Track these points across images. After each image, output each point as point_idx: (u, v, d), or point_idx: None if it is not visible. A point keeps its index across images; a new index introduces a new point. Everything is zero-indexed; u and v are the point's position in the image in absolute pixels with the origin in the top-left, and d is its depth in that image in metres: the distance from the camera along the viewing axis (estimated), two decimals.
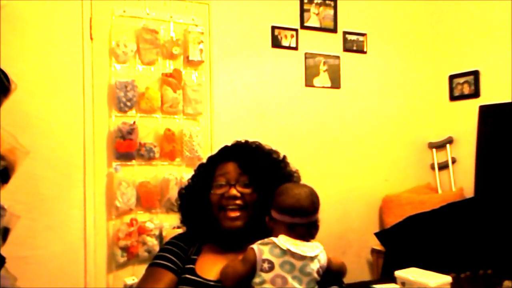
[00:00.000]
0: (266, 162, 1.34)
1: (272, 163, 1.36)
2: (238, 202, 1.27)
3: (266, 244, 1.11)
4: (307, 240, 1.14)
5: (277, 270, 1.08)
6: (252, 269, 1.10)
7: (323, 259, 1.12)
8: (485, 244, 2.47)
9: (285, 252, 1.08)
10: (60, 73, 2.40)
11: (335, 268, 1.15)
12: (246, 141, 1.40)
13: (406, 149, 3.43)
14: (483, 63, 3.19)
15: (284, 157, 1.40)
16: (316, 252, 1.11)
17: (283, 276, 1.07)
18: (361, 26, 3.28)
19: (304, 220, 1.14)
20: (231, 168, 1.30)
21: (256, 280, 1.09)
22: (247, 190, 1.29)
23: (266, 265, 1.08)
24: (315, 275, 1.10)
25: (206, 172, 1.37)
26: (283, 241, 1.10)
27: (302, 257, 1.09)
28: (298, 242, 1.11)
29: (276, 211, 1.17)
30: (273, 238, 1.12)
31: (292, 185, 1.23)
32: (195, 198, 1.36)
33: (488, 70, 3.17)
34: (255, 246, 1.12)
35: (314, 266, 1.10)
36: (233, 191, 1.28)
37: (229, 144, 1.41)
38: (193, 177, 1.42)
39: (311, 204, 1.17)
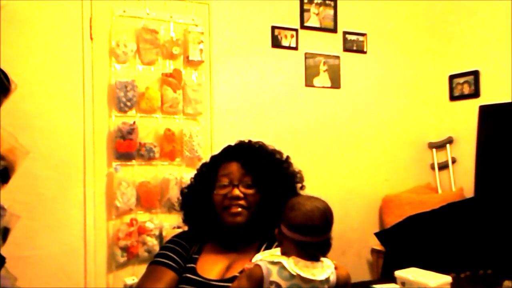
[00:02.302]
0: (269, 162, 1.34)
1: (275, 163, 1.36)
2: (241, 202, 1.27)
3: (275, 264, 1.04)
4: (318, 259, 1.07)
5: None
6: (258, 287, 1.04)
7: (332, 280, 1.06)
8: (485, 244, 2.47)
9: (295, 276, 1.02)
10: (60, 73, 2.39)
11: (342, 283, 1.10)
12: (250, 141, 1.40)
13: (406, 149, 3.43)
14: (483, 63, 3.19)
15: (288, 157, 1.40)
16: (327, 273, 1.05)
17: None
18: (361, 26, 3.28)
19: (316, 239, 1.06)
20: (234, 168, 1.30)
21: None
22: (250, 191, 1.29)
23: None
24: None
25: (209, 172, 1.37)
26: (293, 265, 1.03)
27: (311, 281, 1.03)
28: (308, 263, 1.04)
29: (286, 227, 1.07)
30: (282, 260, 1.04)
31: (304, 200, 1.11)
32: (198, 198, 1.36)
33: (488, 70, 3.17)
34: (262, 264, 1.05)
35: None
36: (236, 192, 1.28)
37: (232, 143, 1.41)
38: (195, 176, 1.42)
39: (325, 223, 1.07)
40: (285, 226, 1.08)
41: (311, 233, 1.05)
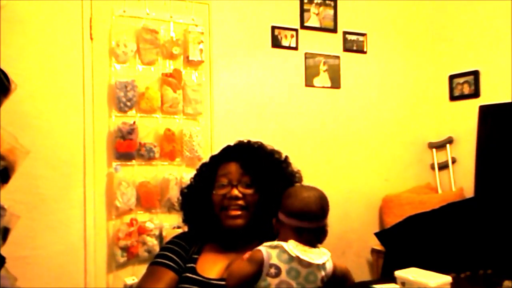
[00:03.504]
0: (268, 162, 1.34)
1: (274, 163, 1.36)
2: (239, 202, 1.27)
3: (274, 248, 1.08)
4: (315, 246, 1.11)
5: (283, 276, 1.06)
6: (258, 270, 1.07)
7: (328, 267, 1.10)
8: (485, 244, 2.47)
9: (293, 258, 1.06)
10: (60, 73, 2.40)
11: (340, 274, 1.13)
12: (249, 141, 1.40)
13: (406, 149, 3.43)
14: (483, 63, 3.19)
15: (286, 157, 1.40)
16: (323, 259, 1.09)
17: (289, 283, 1.06)
18: (361, 26, 3.28)
19: (312, 224, 1.11)
20: (233, 168, 1.31)
21: (261, 284, 1.07)
22: (248, 191, 1.29)
23: (273, 270, 1.06)
24: (319, 283, 1.08)
25: (209, 172, 1.37)
26: (292, 247, 1.07)
27: (309, 265, 1.06)
28: (306, 248, 1.08)
29: (284, 214, 1.14)
30: (282, 243, 1.09)
31: (301, 187, 1.19)
32: (197, 198, 1.36)
33: (488, 70, 3.17)
34: (262, 248, 1.09)
35: (319, 274, 1.08)
36: (235, 192, 1.28)
37: (232, 143, 1.41)
38: (195, 176, 1.42)
39: (320, 209, 1.13)
40: (282, 213, 1.14)
41: (308, 218, 1.11)
